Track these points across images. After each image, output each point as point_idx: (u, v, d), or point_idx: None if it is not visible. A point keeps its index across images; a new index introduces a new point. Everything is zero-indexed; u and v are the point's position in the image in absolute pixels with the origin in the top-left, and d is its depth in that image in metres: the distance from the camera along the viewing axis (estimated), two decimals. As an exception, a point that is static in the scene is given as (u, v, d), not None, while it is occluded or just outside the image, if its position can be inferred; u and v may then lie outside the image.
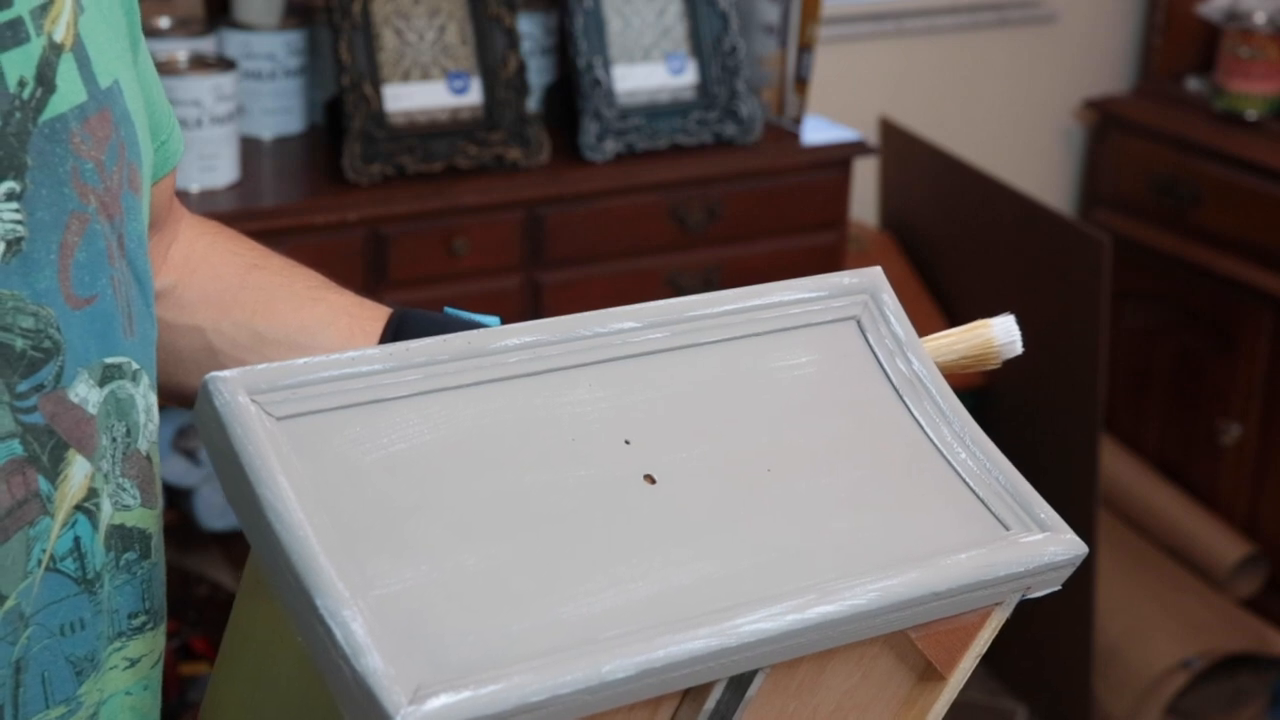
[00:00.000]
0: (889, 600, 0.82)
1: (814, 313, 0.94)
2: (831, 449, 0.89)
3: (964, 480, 0.89)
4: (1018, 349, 0.98)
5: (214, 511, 2.44)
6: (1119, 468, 3.15)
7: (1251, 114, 3.05)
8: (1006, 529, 0.87)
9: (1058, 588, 0.87)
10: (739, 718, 0.85)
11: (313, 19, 2.46)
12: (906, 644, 0.87)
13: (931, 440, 0.90)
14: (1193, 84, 3.22)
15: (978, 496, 0.88)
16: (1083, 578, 2.72)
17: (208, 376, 0.80)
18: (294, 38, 2.44)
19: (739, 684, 0.83)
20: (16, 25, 0.83)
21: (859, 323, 0.94)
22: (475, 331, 0.88)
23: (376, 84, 2.36)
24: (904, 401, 0.92)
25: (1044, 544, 0.86)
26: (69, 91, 0.85)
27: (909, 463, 0.89)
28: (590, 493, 0.84)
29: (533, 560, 0.81)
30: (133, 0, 0.96)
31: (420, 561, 0.79)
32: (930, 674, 0.89)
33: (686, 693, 0.83)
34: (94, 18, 0.89)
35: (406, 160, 2.34)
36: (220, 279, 1.12)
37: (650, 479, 0.85)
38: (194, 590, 2.52)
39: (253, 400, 0.81)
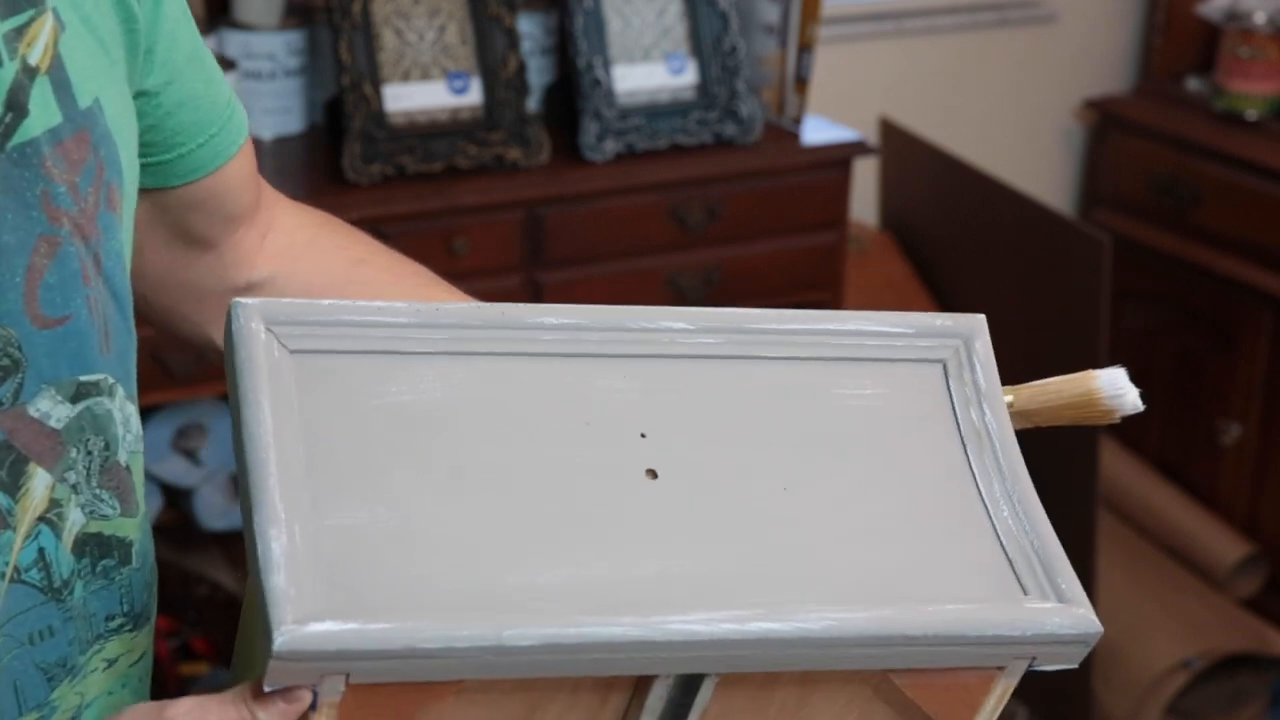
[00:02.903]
0: (845, 632, 0.80)
1: (895, 348, 0.91)
2: (866, 481, 0.87)
3: (998, 537, 0.86)
4: (1126, 404, 0.93)
5: (214, 511, 2.44)
6: (1119, 468, 3.15)
7: (1251, 114, 3.05)
8: (1025, 593, 0.84)
9: (1072, 665, 0.84)
10: None
11: (313, 19, 2.46)
12: (897, 694, 0.84)
13: (980, 492, 0.88)
14: (1193, 84, 3.22)
15: (1006, 556, 0.85)
16: (1083, 578, 2.72)
17: (233, 300, 0.83)
18: (294, 38, 2.44)
19: (687, 688, 0.82)
20: None
21: (945, 367, 0.92)
22: (513, 305, 0.88)
23: (376, 84, 2.36)
24: (965, 450, 0.89)
25: (1048, 613, 0.82)
26: (42, 115, 0.85)
27: (947, 510, 0.87)
28: (585, 475, 0.84)
29: (496, 525, 0.81)
30: (151, 8, 0.94)
31: (378, 504, 0.80)
32: None
33: (636, 689, 0.82)
34: (78, 35, 0.88)
35: (406, 160, 2.34)
36: (324, 273, 1.11)
37: (653, 473, 0.85)
38: (194, 590, 2.51)
39: (269, 329, 0.83)
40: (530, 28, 2.55)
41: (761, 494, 0.85)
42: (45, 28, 0.85)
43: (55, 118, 0.86)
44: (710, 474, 0.86)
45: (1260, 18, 3.02)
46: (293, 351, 0.84)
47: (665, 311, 0.89)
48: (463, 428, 0.84)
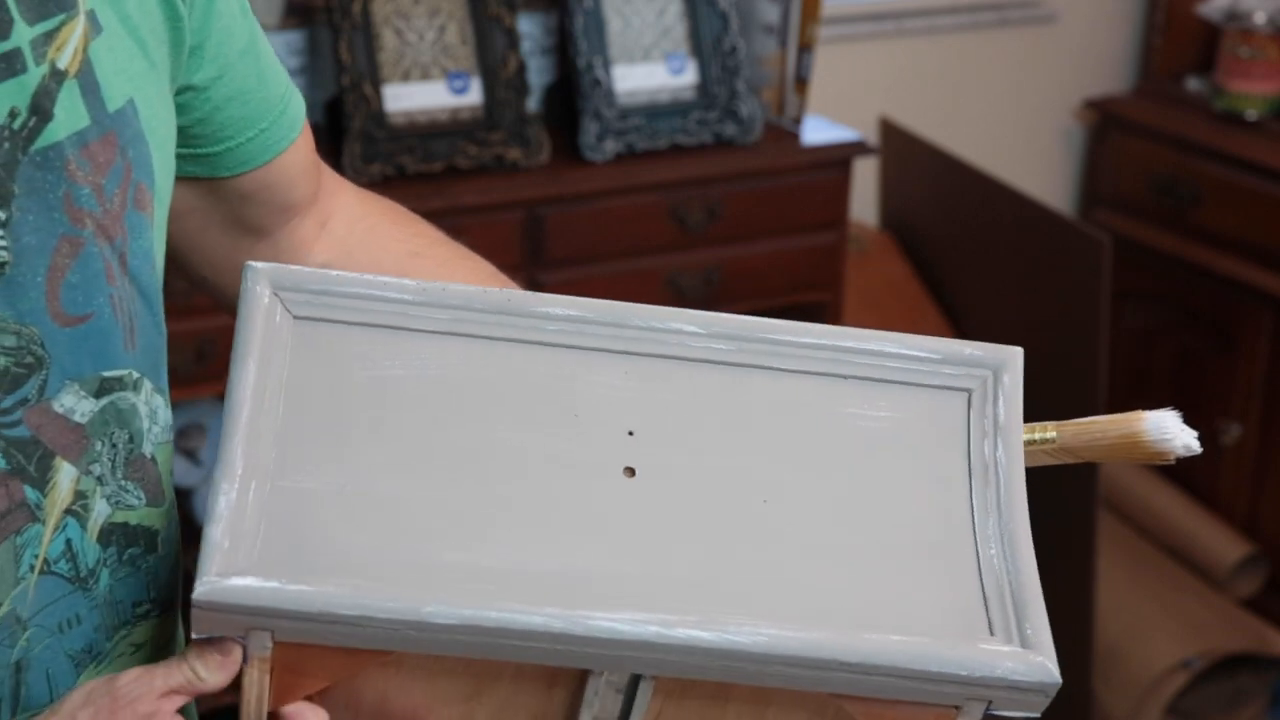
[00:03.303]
0: (775, 650, 0.79)
1: (918, 373, 0.89)
2: (852, 504, 0.86)
3: (980, 574, 0.84)
4: (1175, 447, 0.90)
5: (214, 511, 2.43)
6: (1119, 468, 3.15)
7: (1251, 114, 3.05)
8: (991, 633, 0.82)
9: (1034, 714, 0.81)
10: None
11: (313, 19, 2.46)
12: None
13: (974, 527, 0.86)
14: (1193, 84, 3.22)
15: (984, 594, 0.84)
16: (1083, 578, 2.72)
17: (247, 263, 0.86)
18: (294, 38, 2.44)
19: (629, 688, 0.82)
20: (12, 57, 0.84)
21: (970, 397, 0.90)
22: (520, 291, 0.89)
23: (376, 84, 2.36)
24: (970, 483, 0.87)
25: (1002, 656, 0.80)
26: (68, 119, 0.87)
27: (932, 541, 0.85)
28: (560, 466, 0.84)
29: (456, 505, 0.82)
30: (203, 5, 0.96)
31: (341, 472, 0.82)
32: None
33: (577, 685, 0.82)
34: (115, 37, 0.90)
35: (406, 160, 2.34)
36: (377, 265, 1.13)
37: (630, 472, 0.85)
38: (192, 588, 2.51)
39: (275, 293, 0.86)
40: (530, 28, 2.55)
41: (738, 504, 0.84)
42: (76, 32, 0.87)
43: (82, 121, 0.88)
44: (689, 479, 0.85)
45: (1260, 18, 3.02)
46: (296, 317, 0.86)
47: (676, 313, 0.89)
48: (446, 407, 0.85)
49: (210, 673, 0.80)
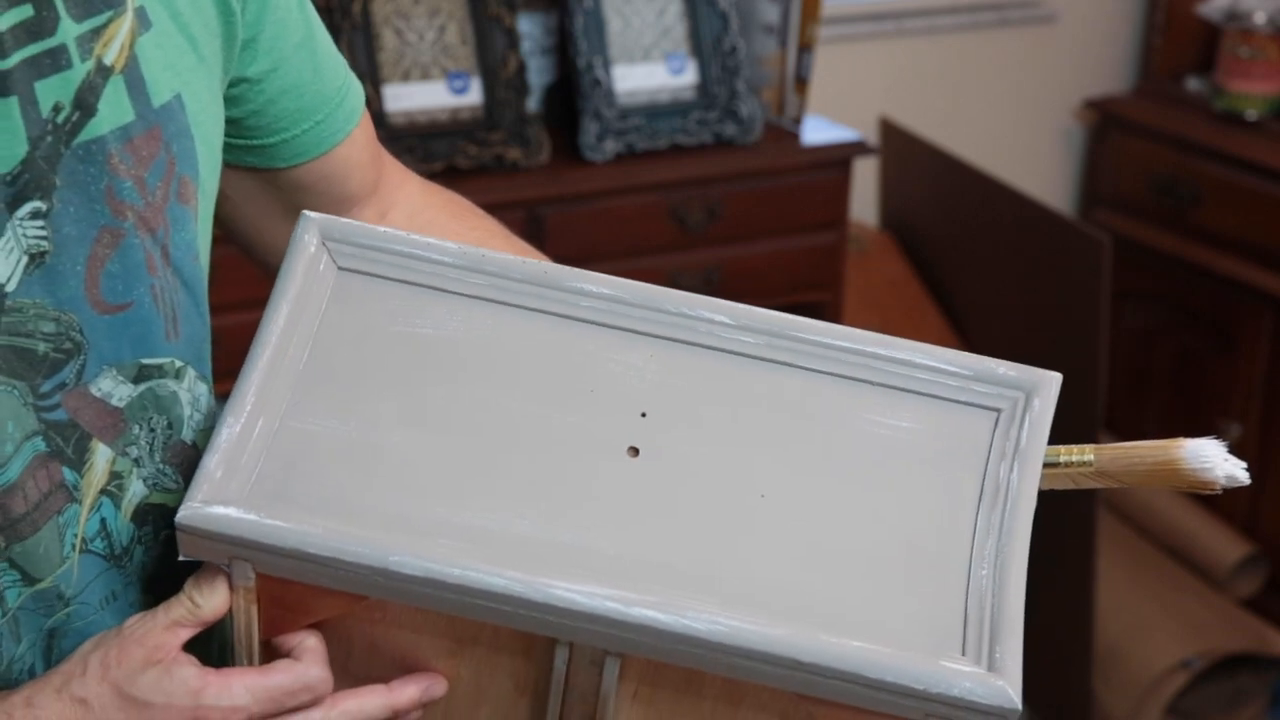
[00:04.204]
0: (732, 641, 0.79)
1: (947, 387, 0.89)
2: (852, 510, 0.85)
3: (965, 594, 0.83)
4: (1216, 476, 0.87)
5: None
6: (1119, 468, 3.14)
7: (1251, 114, 3.05)
8: (962, 653, 0.81)
9: None
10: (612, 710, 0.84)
11: (313, 19, 2.46)
12: None
13: (971, 547, 0.85)
14: (1193, 84, 3.22)
15: (965, 613, 0.83)
16: (1083, 578, 2.72)
17: (304, 211, 0.90)
18: (294, 38, 2.44)
19: (593, 663, 0.83)
20: (58, 53, 0.87)
21: (998, 417, 0.89)
22: (558, 265, 0.91)
23: (376, 84, 2.36)
24: (978, 503, 0.86)
25: (962, 676, 0.79)
26: (112, 113, 0.89)
27: (928, 555, 0.85)
28: (565, 437, 0.85)
29: (454, 465, 0.84)
30: (257, 1, 0.98)
31: (351, 420, 0.84)
32: None
33: (551, 655, 0.84)
34: (164, 33, 0.92)
35: (407, 160, 2.32)
36: None
37: (634, 451, 0.85)
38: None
39: (323, 243, 0.89)
40: (530, 28, 2.55)
41: (734, 495, 0.85)
42: (123, 28, 0.90)
43: (127, 115, 0.90)
44: (692, 465, 0.85)
45: (1260, 18, 3.02)
46: (340, 268, 0.89)
47: (710, 302, 0.89)
48: (466, 370, 0.86)
49: (205, 599, 0.84)
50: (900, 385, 0.89)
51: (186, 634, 0.85)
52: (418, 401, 0.85)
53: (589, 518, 0.83)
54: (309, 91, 1.04)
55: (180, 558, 0.83)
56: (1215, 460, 0.88)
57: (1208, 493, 0.88)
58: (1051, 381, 0.89)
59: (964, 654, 0.81)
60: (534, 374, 0.87)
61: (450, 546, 0.80)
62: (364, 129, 1.11)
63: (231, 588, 0.84)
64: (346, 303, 0.88)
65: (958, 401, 0.89)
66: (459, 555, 0.80)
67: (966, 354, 0.89)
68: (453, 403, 0.85)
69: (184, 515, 0.81)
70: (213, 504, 0.81)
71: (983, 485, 0.87)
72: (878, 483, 0.86)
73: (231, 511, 0.81)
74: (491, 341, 0.87)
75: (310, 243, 0.89)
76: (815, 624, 0.80)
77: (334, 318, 0.87)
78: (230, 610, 0.85)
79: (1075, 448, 0.91)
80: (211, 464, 0.82)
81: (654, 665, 0.82)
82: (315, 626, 0.85)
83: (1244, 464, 0.88)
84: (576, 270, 0.90)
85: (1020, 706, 0.79)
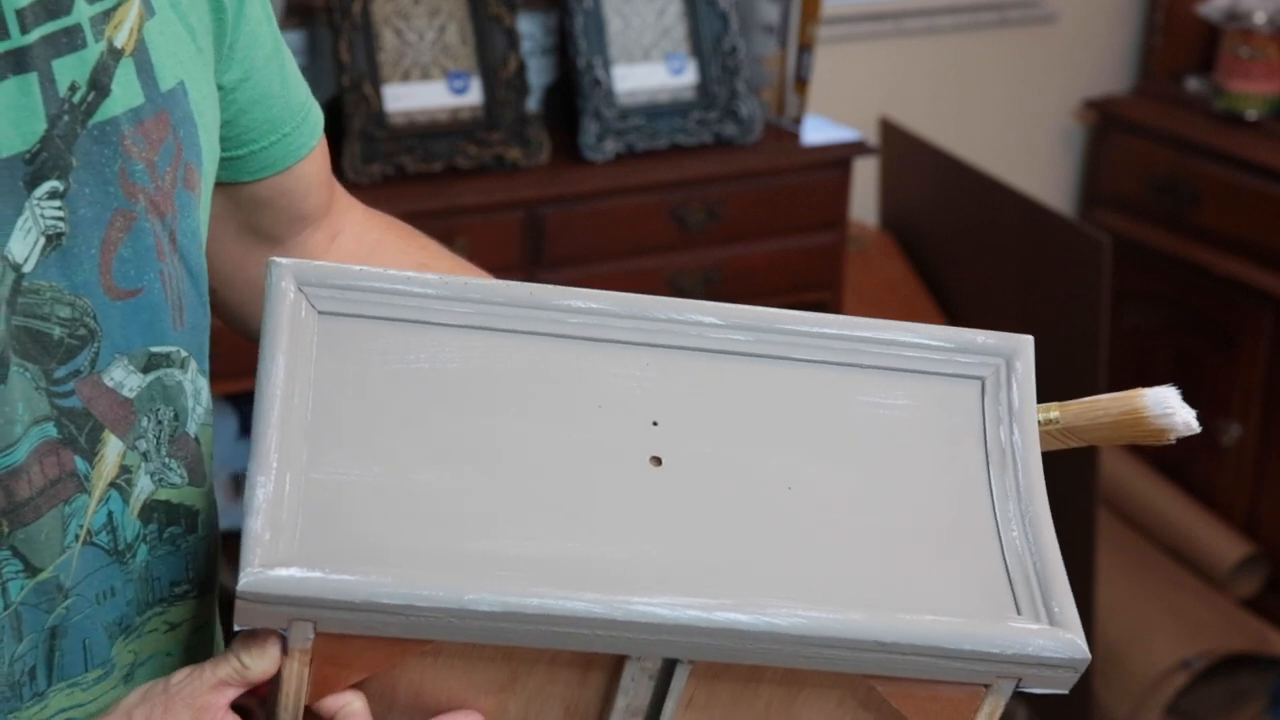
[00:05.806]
0: (813, 632, 0.79)
1: (932, 361, 0.91)
2: (875, 490, 0.87)
3: (1004, 556, 0.85)
4: (1175, 423, 0.91)
5: (214, 511, 2.44)
6: (1119, 468, 3.15)
7: (1251, 114, 3.05)
8: (1018, 612, 0.83)
9: (1062, 691, 0.82)
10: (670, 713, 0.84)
11: (313, 19, 2.46)
12: (883, 703, 0.84)
13: (994, 510, 0.87)
14: (1193, 84, 3.22)
15: (1008, 575, 0.85)
16: (1083, 578, 2.72)
17: (271, 258, 0.87)
18: (294, 38, 2.44)
19: (665, 675, 0.83)
20: (73, 31, 0.87)
21: (983, 384, 0.91)
22: (541, 285, 0.89)
23: (376, 84, 2.36)
24: (988, 468, 0.88)
25: (1033, 634, 0.81)
26: (124, 95, 0.90)
27: (955, 525, 0.86)
28: (586, 455, 0.85)
29: (486, 496, 0.83)
30: (236, 6, 0.98)
31: (373, 464, 0.83)
32: None
33: (613, 670, 0.83)
34: (166, 21, 0.93)
35: (406, 160, 2.34)
36: None
37: (657, 461, 0.86)
38: (238, 581, 2.51)
39: (300, 289, 0.86)
40: (530, 28, 2.55)
41: (764, 491, 0.85)
42: (132, 12, 0.90)
43: (137, 98, 0.90)
44: (715, 467, 0.86)
45: (1260, 18, 3.02)
46: (320, 313, 0.87)
47: (695, 305, 0.90)
48: (471, 400, 0.86)
49: (254, 661, 0.82)
50: (889, 365, 0.90)
51: (233, 694, 0.83)
52: (433, 438, 0.84)
53: (634, 532, 0.83)
54: (278, 103, 1.04)
55: (235, 628, 0.80)
56: (1176, 407, 0.91)
57: (1162, 443, 0.91)
58: (1027, 344, 0.92)
59: (1020, 613, 0.83)
60: (539, 396, 0.86)
61: (518, 577, 0.79)
62: (323, 147, 1.10)
63: (285, 651, 0.81)
64: (335, 348, 0.86)
65: (944, 374, 0.91)
66: (531, 585, 0.79)
67: (946, 327, 0.92)
68: (467, 434, 0.84)
69: (246, 583, 0.77)
70: (274, 567, 0.78)
71: (987, 451, 0.89)
72: (889, 462, 0.88)
73: (295, 572, 0.78)
74: (489, 369, 0.87)
75: (288, 290, 0.86)
76: (881, 605, 0.81)
77: (328, 365, 0.85)
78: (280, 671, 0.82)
79: (1040, 406, 0.93)
80: (257, 526, 0.79)
81: (715, 665, 0.82)
82: (360, 683, 0.83)
83: (1194, 411, 0.92)
84: (561, 288, 0.89)
85: (1089, 655, 0.81)
